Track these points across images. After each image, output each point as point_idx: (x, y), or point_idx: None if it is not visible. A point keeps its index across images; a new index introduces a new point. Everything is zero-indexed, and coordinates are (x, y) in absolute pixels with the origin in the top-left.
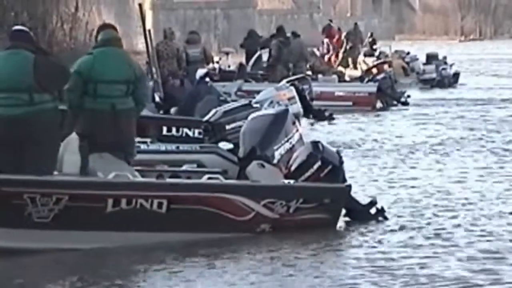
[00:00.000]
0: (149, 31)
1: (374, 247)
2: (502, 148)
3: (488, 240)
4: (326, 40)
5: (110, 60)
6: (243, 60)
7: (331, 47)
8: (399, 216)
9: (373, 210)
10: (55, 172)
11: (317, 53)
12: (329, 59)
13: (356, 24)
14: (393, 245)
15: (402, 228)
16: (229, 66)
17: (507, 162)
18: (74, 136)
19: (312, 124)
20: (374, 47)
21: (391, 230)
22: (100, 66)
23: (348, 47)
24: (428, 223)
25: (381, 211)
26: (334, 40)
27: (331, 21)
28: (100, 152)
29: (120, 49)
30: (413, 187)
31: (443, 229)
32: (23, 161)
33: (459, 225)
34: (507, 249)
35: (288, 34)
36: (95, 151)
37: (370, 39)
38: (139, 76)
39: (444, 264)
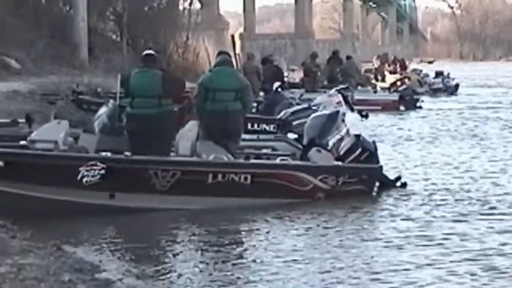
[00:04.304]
0: (238, 55)
1: (398, 209)
2: (492, 138)
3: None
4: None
5: (224, 75)
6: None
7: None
8: (418, 187)
9: (398, 184)
10: (173, 154)
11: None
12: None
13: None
14: (412, 211)
15: (419, 195)
16: (294, 79)
17: (496, 148)
18: (185, 128)
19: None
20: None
21: (413, 199)
22: (217, 79)
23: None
24: (443, 193)
25: (404, 185)
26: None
27: (379, 55)
28: (214, 140)
29: (231, 68)
30: (430, 165)
31: (458, 199)
32: (151, 146)
33: (474, 197)
34: None
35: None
36: (210, 139)
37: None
38: (244, 86)
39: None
